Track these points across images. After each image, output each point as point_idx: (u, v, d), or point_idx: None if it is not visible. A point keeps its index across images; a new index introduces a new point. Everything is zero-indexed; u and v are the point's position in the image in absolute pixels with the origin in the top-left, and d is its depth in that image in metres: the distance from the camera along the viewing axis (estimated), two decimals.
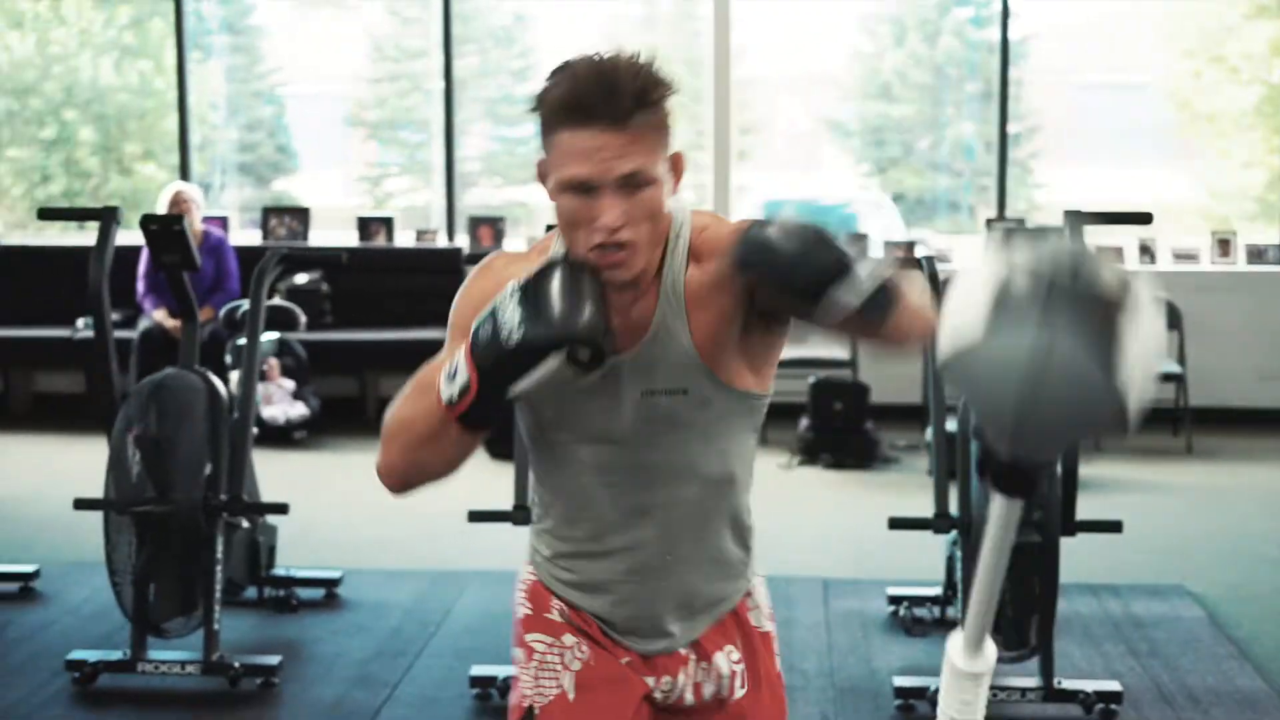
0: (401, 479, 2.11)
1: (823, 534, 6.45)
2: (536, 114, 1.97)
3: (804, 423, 7.62)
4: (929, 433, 6.36)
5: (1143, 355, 1.57)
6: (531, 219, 12.35)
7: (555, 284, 1.91)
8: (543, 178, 2.01)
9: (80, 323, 8.06)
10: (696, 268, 2.07)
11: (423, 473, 2.09)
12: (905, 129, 17.24)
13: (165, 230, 4.56)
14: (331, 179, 18.24)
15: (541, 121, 1.96)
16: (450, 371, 1.96)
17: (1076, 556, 5.04)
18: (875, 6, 16.17)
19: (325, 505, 6.85)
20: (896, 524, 4.73)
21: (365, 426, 8.21)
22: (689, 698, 2.23)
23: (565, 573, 2.21)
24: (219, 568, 4.66)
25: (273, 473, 7.52)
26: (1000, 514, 1.78)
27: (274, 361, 7.97)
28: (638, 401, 2.07)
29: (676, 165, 2.02)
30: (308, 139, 16.86)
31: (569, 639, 2.20)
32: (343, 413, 8.55)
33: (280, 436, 7.88)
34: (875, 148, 17.45)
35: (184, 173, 9.04)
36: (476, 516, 4.78)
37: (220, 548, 4.67)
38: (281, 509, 4.91)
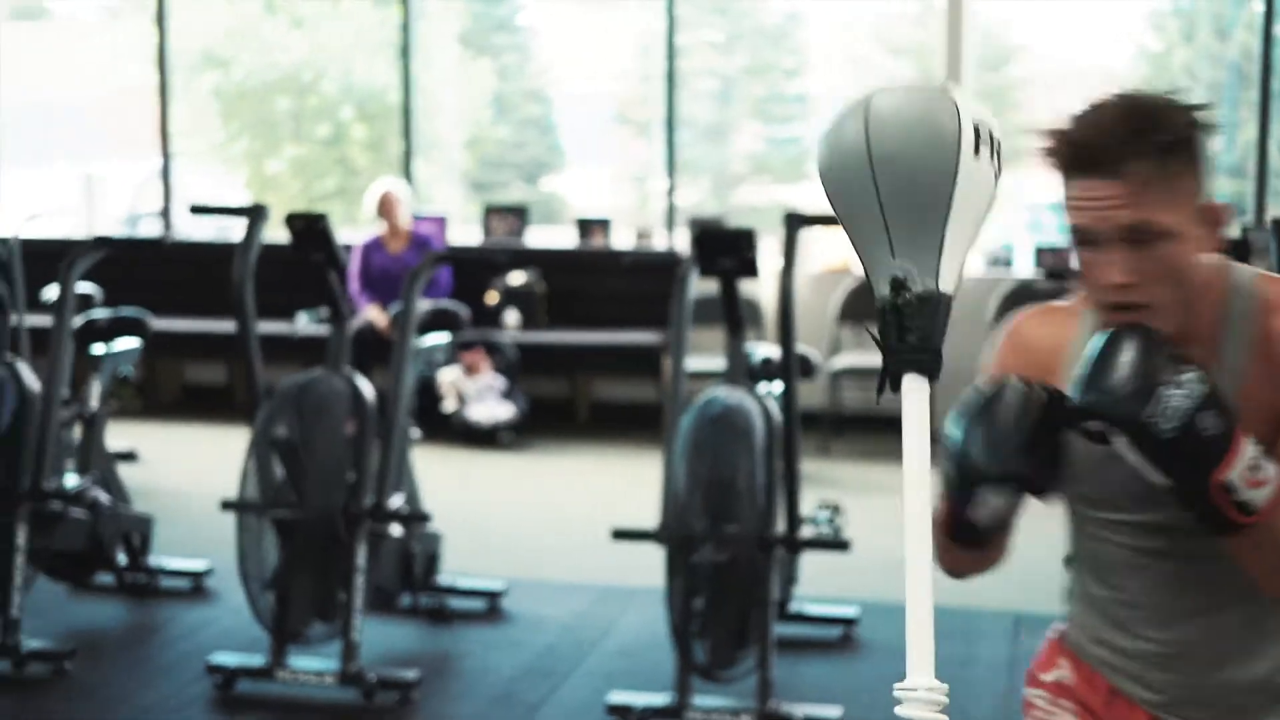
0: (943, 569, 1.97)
1: (1019, 565, 5.99)
2: (1049, 164, 1.84)
3: None
4: None
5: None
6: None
7: (996, 411, 1.77)
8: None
9: (303, 318, 8.11)
10: (1262, 368, 1.84)
11: (956, 570, 2.01)
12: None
13: (309, 229, 4.45)
14: (598, 177, 18.31)
15: (1055, 171, 1.83)
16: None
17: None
18: (1163, 2, 15.40)
19: (516, 511, 6.72)
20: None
21: (575, 430, 8.07)
22: None
23: (1095, 646, 2.03)
24: (360, 576, 4.53)
25: (474, 475, 7.48)
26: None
27: (482, 358, 7.89)
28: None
29: (1209, 217, 1.79)
30: (576, 137, 16.93)
31: (1065, 704, 2.05)
32: (553, 415, 8.41)
33: (486, 438, 7.79)
34: None
35: (406, 172, 9.05)
36: (622, 535, 4.54)
37: (363, 556, 4.54)
38: (422, 517, 4.76)
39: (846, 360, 7.95)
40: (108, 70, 16.35)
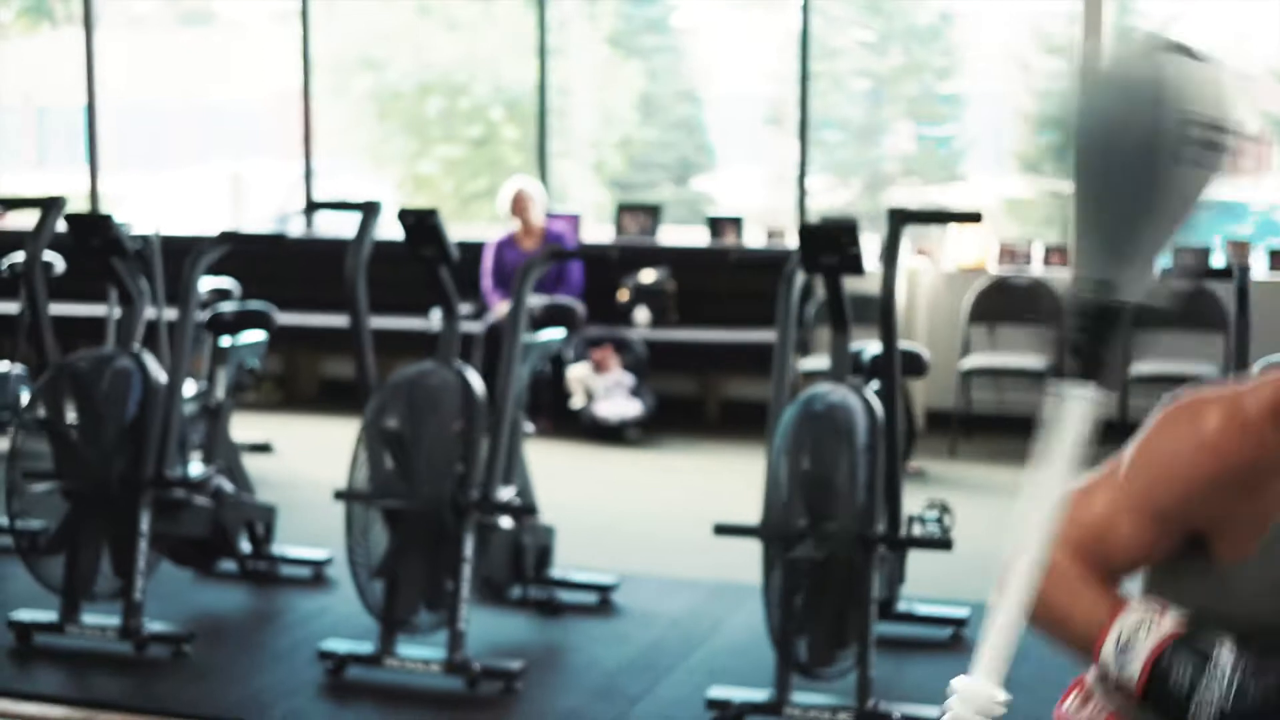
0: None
1: None
2: None
3: None
4: None
5: None
6: None
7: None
8: None
9: (436, 315, 8.23)
10: None
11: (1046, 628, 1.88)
12: None
13: (421, 225, 4.52)
14: (751, 178, 18.28)
15: None
16: (1119, 646, 1.74)
17: None
18: None
19: (637, 507, 6.75)
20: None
21: (703, 428, 8.08)
22: None
23: None
24: (467, 567, 4.59)
25: (598, 471, 7.53)
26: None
27: (611, 355, 7.94)
28: None
29: None
30: (727, 138, 16.93)
31: None
32: (682, 412, 8.43)
33: (613, 435, 7.83)
34: None
35: (541, 171, 9.13)
36: (723, 530, 4.54)
37: (470, 547, 4.61)
38: (528, 510, 4.81)
39: (976, 360, 7.85)
40: (267, 73, 16.74)
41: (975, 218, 4.51)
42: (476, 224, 11.16)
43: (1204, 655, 1.67)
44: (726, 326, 8.24)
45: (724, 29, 16.70)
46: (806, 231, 4.31)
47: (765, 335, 7.99)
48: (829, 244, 4.23)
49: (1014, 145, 16.55)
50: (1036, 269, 8.12)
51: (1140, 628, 1.70)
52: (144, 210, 5.28)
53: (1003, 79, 16.55)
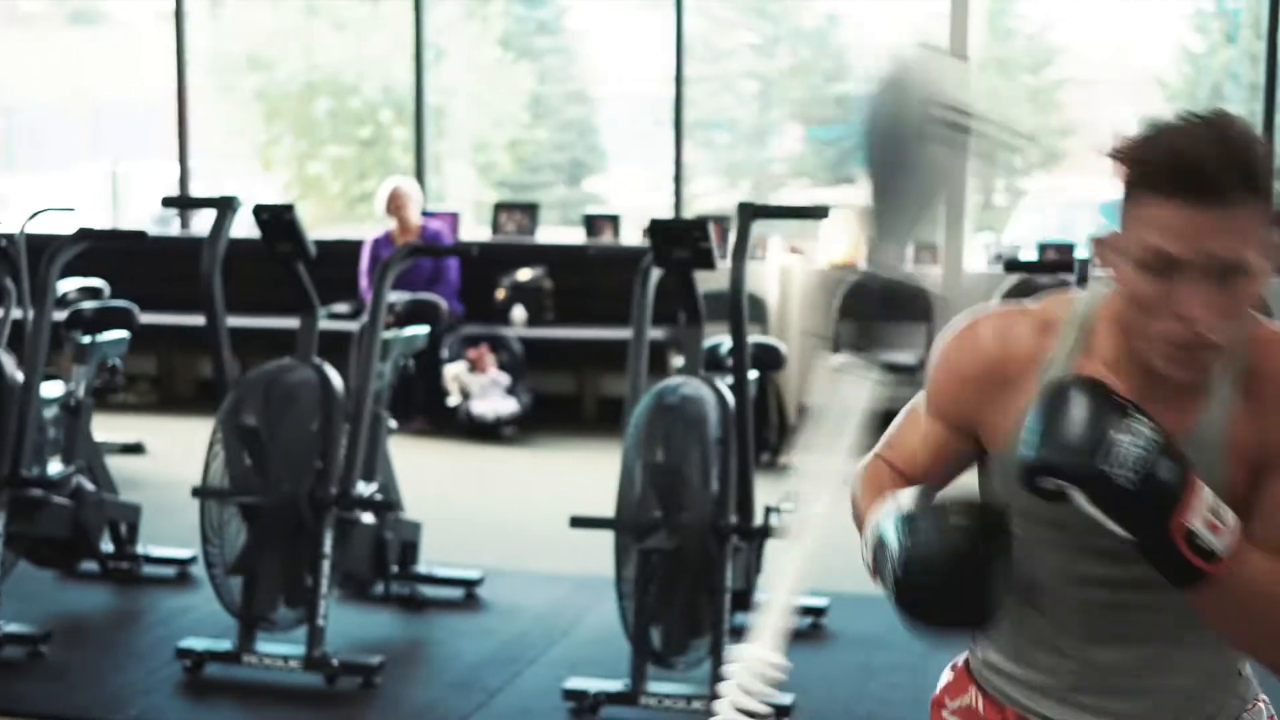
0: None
1: None
2: (1122, 174, 1.68)
3: None
4: None
5: None
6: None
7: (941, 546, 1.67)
8: (1108, 247, 1.72)
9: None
10: (1249, 407, 1.75)
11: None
12: None
13: (277, 220, 4.52)
14: (641, 179, 18.34)
15: (1125, 183, 1.68)
16: (872, 533, 1.74)
17: None
18: (1205, 2, 15.26)
19: (509, 503, 6.78)
20: None
21: (580, 425, 8.13)
22: None
23: (1000, 675, 1.97)
24: (326, 563, 4.60)
25: (473, 468, 7.56)
26: None
27: (487, 354, 7.98)
28: None
29: (1273, 257, 1.71)
30: (619, 139, 16.99)
31: None
32: (558, 410, 8.48)
33: (489, 433, 7.86)
34: None
35: (418, 171, 9.14)
36: (579, 523, 4.59)
37: (329, 543, 4.61)
38: (388, 506, 4.82)
39: (844, 356, 7.94)
40: (155, 73, 16.59)
41: (822, 213, 4.59)
42: (366, 225, 11.13)
43: (905, 519, 1.72)
44: (603, 324, 8.28)
45: (615, 31, 16.76)
46: (657, 227, 4.37)
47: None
48: (680, 239, 4.29)
49: None
50: (908, 265, 8.23)
51: (885, 513, 1.75)
52: (23, 210, 5.24)
53: None
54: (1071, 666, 1.87)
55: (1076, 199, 14.74)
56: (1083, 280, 4.34)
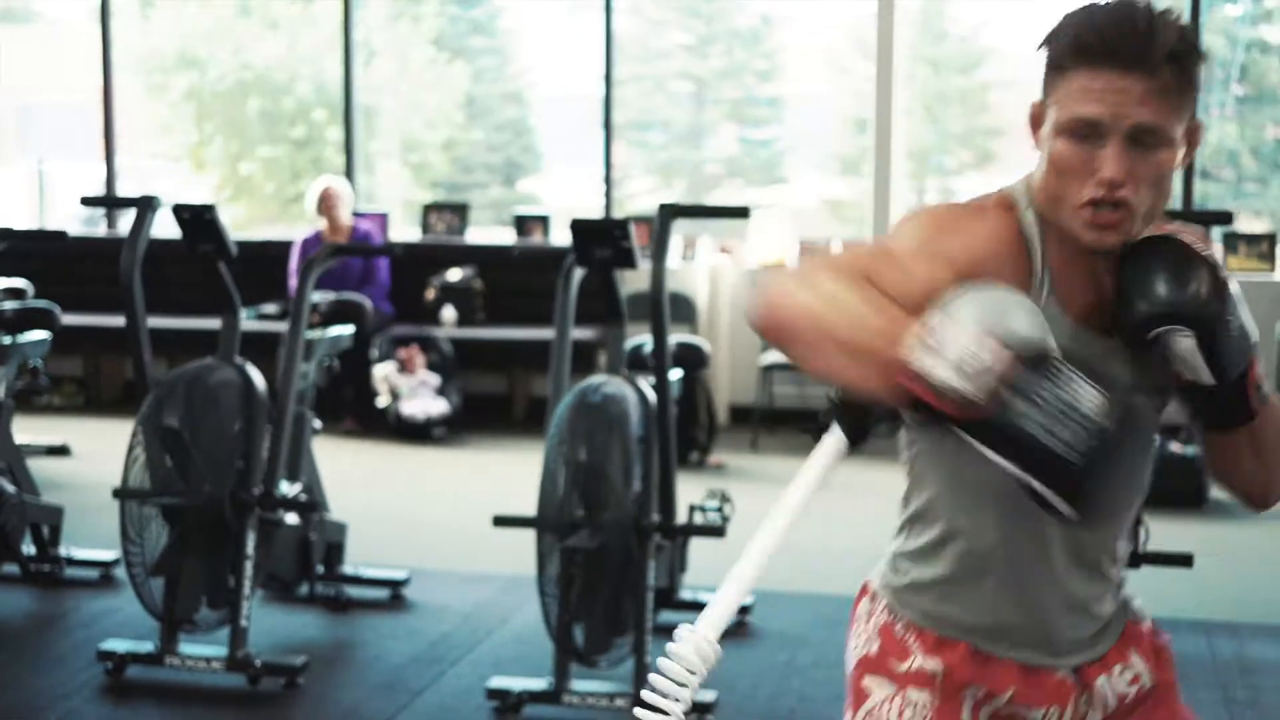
0: (786, 333, 1.77)
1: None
2: (1046, 51, 1.80)
3: None
4: None
5: None
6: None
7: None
8: (1036, 121, 1.84)
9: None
10: None
11: (806, 350, 1.77)
12: None
13: (198, 220, 4.50)
14: (577, 180, 18.36)
15: (1052, 59, 1.80)
16: (958, 367, 1.62)
17: (1191, 590, 4.77)
18: None
19: (438, 504, 6.78)
20: None
21: (510, 425, 8.13)
22: None
23: (943, 607, 1.99)
24: (249, 564, 4.58)
25: (403, 469, 7.55)
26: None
27: (417, 354, 7.97)
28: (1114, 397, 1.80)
29: (1192, 136, 1.83)
30: (555, 139, 16.98)
31: (913, 693, 1.98)
32: (489, 411, 8.49)
33: (419, 433, 7.86)
34: None
35: (348, 170, 9.12)
36: (502, 521, 4.60)
37: (252, 543, 4.60)
38: (312, 507, 4.81)
39: (777, 356, 7.99)
40: (85, 73, 16.45)
41: (743, 213, 4.61)
42: (299, 225, 11.08)
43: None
44: (533, 325, 8.28)
45: (550, 31, 16.75)
46: (579, 226, 4.38)
47: (578, 334, 8.08)
48: (601, 238, 4.31)
49: (834, 147, 16.85)
50: None
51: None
52: None
53: (823, 82, 16.83)
54: (1006, 598, 1.94)
55: None
56: None
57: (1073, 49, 1.77)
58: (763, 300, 1.78)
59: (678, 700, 1.72)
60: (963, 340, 1.62)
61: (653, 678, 1.71)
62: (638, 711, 1.69)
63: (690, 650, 1.74)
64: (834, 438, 1.74)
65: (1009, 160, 16.94)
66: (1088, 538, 1.92)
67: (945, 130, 16.78)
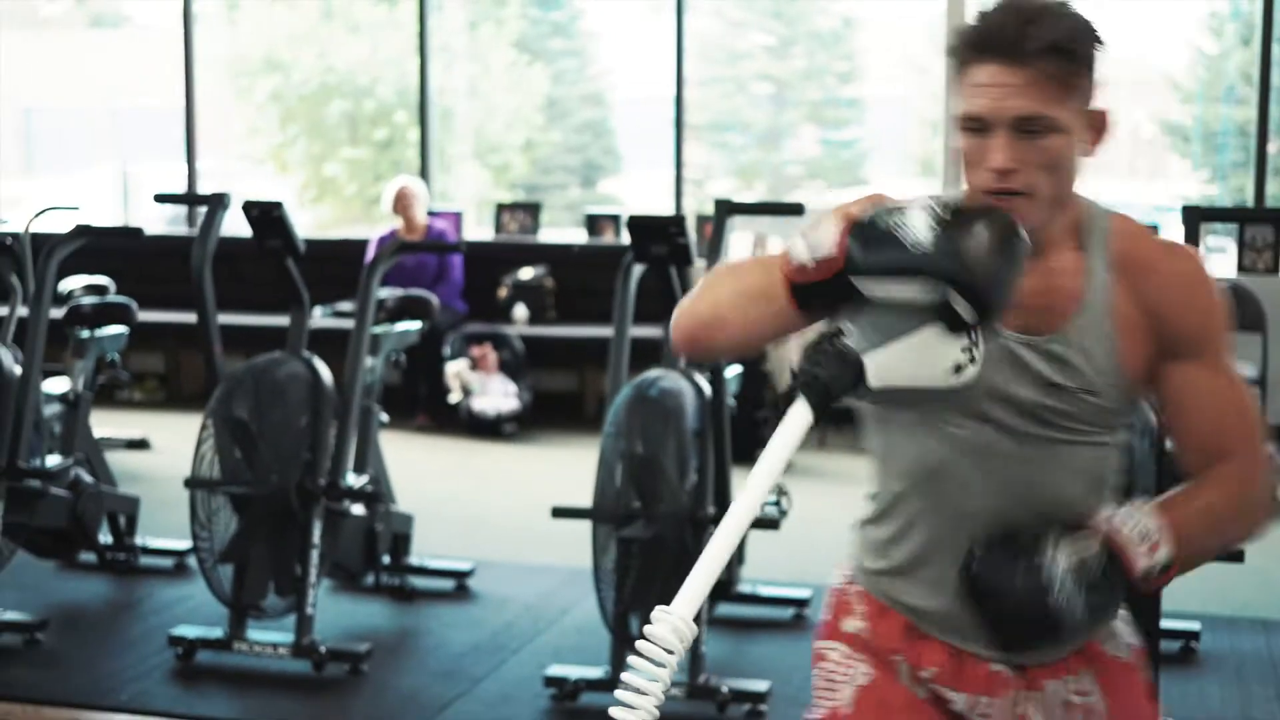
0: (696, 330, 1.93)
1: None
2: (951, 49, 1.92)
3: None
4: None
5: None
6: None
7: (983, 223, 1.74)
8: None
9: (318, 311, 8.33)
10: (1124, 285, 1.95)
11: (721, 329, 1.91)
12: (1250, 133, 16.20)
13: (266, 216, 4.62)
14: (656, 181, 18.39)
15: (954, 57, 1.91)
16: (813, 240, 1.80)
17: (1250, 588, 4.80)
18: (1220, 4, 15.25)
19: (506, 498, 6.87)
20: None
21: (580, 422, 8.21)
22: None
23: (890, 581, 2.09)
24: (315, 552, 4.69)
25: (472, 464, 7.65)
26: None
27: (490, 353, 8.08)
28: (1040, 389, 1.94)
29: (1097, 123, 1.91)
30: (635, 141, 17.05)
31: (861, 657, 2.09)
32: (559, 408, 8.58)
33: (490, 429, 7.96)
34: (1216, 153, 16.48)
35: (424, 170, 9.25)
36: (561, 513, 4.68)
37: (318, 533, 4.70)
38: (377, 498, 4.91)
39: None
40: (174, 76, 16.75)
41: (798, 210, 4.66)
42: (381, 225, 11.24)
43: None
44: (604, 323, 8.34)
45: (630, 33, 16.82)
46: (636, 223, 4.45)
47: (643, 331, 8.15)
48: (658, 235, 4.37)
49: (913, 148, 16.81)
50: None
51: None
52: (41, 210, 5.37)
53: (903, 83, 16.79)
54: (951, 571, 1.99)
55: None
56: None
57: (963, 45, 1.87)
58: (672, 330, 1.94)
59: (656, 681, 1.77)
60: (821, 225, 1.79)
61: (631, 659, 1.75)
62: (618, 693, 1.74)
63: (667, 631, 1.78)
64: (799, 412, 1.78)
65: (1093, 161, 16.82)
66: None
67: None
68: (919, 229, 1.71)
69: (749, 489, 1.81)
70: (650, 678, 1.78)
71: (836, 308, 1.80)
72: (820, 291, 1.79)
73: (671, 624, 1.80)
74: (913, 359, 1.76)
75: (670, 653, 1.78)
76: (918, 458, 2.00)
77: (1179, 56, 15.80)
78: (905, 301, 1.74)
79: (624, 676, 1.76)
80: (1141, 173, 17.39)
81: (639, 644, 1.79)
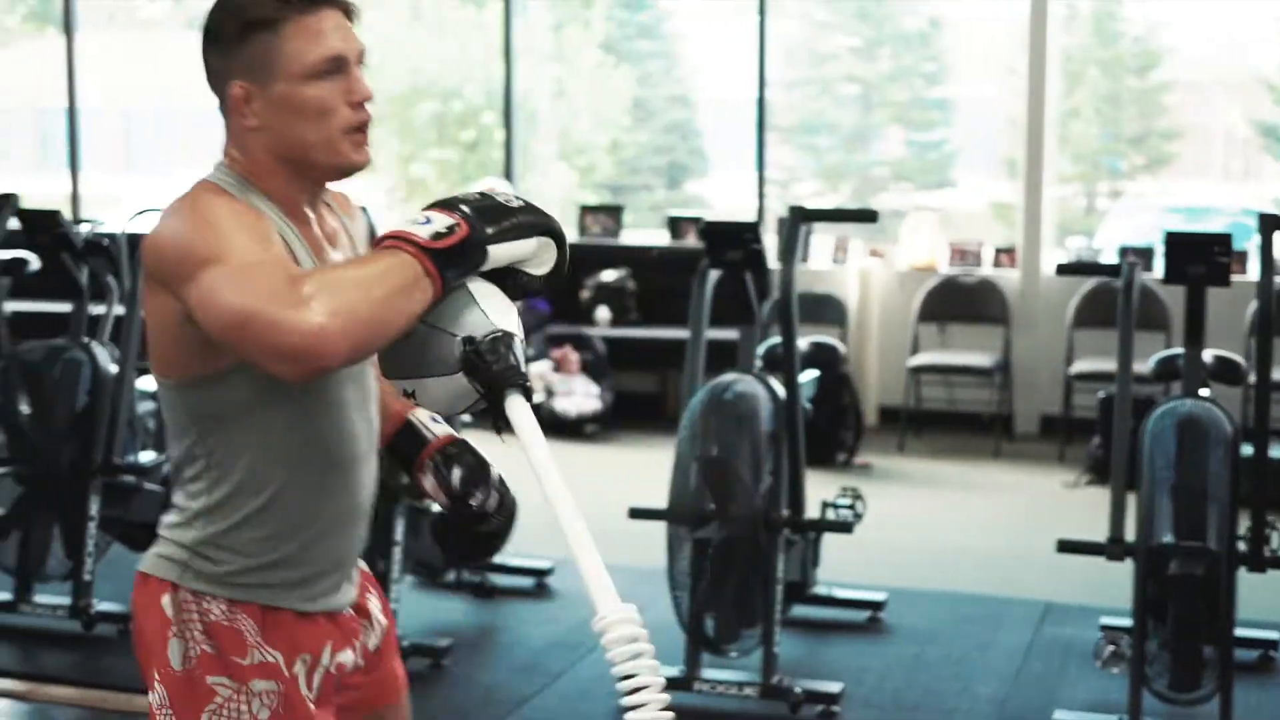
0: (366, 337, 1.86)
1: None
2: (230, 29, 1.98)
3: (1095, 440, 7.19)
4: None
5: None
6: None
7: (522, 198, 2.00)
8: (247, 100, 2.00)
9: None
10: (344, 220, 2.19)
11: (384, 331, 1.87)
12: None
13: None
14: (741, 183, 18.44)
15: (253, 24, 1.97)
16: (420, 221, 1.90)
17: None
18: None
19: (587, 498, 6.95)
20: (1065, 547, 4.42)
21: (661, 423, 8.28)
22: (360, 662, 2.21)
23: (258, 549, 2.06)
24: (398, 549, 4.79)
25: (556, 464, 7.74)
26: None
27: (570, 355, 8.18)
28: None
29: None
30: (720, 143, 17.10)
31: (259, 684, 2.04)
32: (641, 409, 8.67)
33: (573, 430, 8.08)
34: None
35: (508, 171, 9.38)
36: (637, 514, 4.76)
37: (400, 530, 4.80)
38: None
39: (925, 358, 8.05)
40: None
41: (871, 216, 4.71)
42: None
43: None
44: (685, 325, 8.43)
45: (717, 34, 16.88)
46: (710, 229, 4.52)
47: (723, 333, 8.22)
48: (733, 241, 4.44)
49: (1002, 149, 16.72)
50: (986, 269, 8.32)
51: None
52: (138, 211, 5.50)
53: (991, 84, 16.72)
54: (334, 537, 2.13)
55: (1180, 203, 14.63)
56: (1129, 289, 4.38)
57: (277, 4, 1.97)
58: (333, 340, 1.81)
59: (649, 669, 1.83)
60: (424, 214, 1.91)
61: (614, 670, 1.83)
62: (624, 700, 1.80)
63: (620, 630, 1.84)
64: (518, 404, 2.00)
65: (1185, 163, 16.65)
66: (375, 468, 2.18)
67: (1119, 133, 16.55)
68: (513, 201, 1.93)
69: (547, 471, 2.04)
70: (647, 670, 1.85)
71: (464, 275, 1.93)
72: (453, 261, 1.89)
73: (615, 620, 1.88)
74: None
75: (637, 640, 1.88)
76: (289, 430, 2.05)
77: (1273, 57, 15.62)
78: (520, 258, 1.95)
79: (620, 685, 1.83)
80: (1235, 174, 17.21)
81: (611, 656, 1.85)
